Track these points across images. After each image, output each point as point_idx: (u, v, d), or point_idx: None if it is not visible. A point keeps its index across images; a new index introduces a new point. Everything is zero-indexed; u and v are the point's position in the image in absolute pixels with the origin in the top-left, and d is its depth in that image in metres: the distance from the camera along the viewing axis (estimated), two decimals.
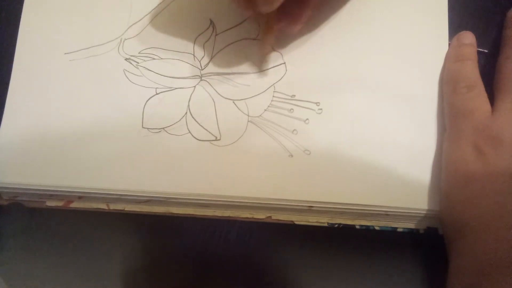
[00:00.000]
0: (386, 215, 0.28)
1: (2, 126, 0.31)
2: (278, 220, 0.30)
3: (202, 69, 0.31)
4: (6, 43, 0.33)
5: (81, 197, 0.30)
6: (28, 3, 0.33)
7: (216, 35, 0.32)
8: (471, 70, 0.28)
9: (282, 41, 0.31)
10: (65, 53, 0.32)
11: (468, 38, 0.30)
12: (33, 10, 0.33)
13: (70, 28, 0.32)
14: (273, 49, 0.31)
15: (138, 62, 0.31)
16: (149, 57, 0.31)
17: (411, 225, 0.29)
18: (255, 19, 0.31)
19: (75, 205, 0.31)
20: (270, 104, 0.30)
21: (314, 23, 0.31)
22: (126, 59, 0.31)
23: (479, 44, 0.30)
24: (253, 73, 0.31)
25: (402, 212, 0.28)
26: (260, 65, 0.31)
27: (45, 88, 0.31)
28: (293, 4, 0.27)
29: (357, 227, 0.29)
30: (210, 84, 0.31)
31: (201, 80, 0.31)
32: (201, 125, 0.30)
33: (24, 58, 0.32)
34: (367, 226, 0.29)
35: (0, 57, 0.33)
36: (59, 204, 0.31)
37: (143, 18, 0.32)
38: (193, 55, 0.31)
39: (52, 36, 0.32)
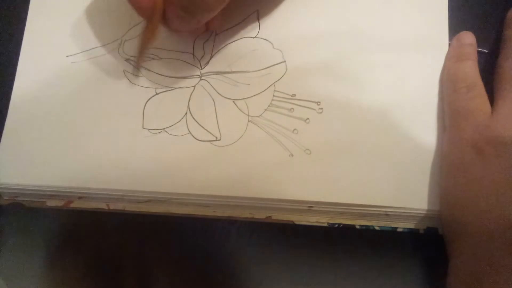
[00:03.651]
0: (386, 215, 0.28)
1: (5, 126, 0.31)
2: (278, 220, 0.30)
3: (201, 69, 0.31)
4: (12, 46, 0.33)
5: (81, 197, 0.30)
6: (33, 7, 0.33)
7: (216, 34, 0.32)
8: (471, 70, 0.28)
9: (282, 40, 0.31)
10: (67, 56, 0.32)
11: (468, 38, 0.30)
12: (38, 14, 0.33)
13: (72, 31, 0.32)
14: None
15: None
16: (149, 57, 0.31)
17: (411, 225, 0.29)
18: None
19: (75, 205, 0.31)
20: (271, 103, 0.30)
21: (314, 22, 0.31)
22: (126, 60, 0.31)
23: (479, 44, 0.30)
24: (253, 72, 0.31)
25: (402, 212, 0.28)
26: (260, 64, 0.31)
27: (47, 89, 0.31)
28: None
29: (357, 227, 0.29)
30: (210, 84, 0.31)
31: (201, 79, 0.31)
32: (201, 125, 0.30)
33: (28, 61, 0.32)
34: (367, 226, 0.29)
35: (5, 60, 0.33)
36: (59, 204, 0.31)
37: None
38: (193, 54, 0.31)
39: (55, 39, 0.32)
